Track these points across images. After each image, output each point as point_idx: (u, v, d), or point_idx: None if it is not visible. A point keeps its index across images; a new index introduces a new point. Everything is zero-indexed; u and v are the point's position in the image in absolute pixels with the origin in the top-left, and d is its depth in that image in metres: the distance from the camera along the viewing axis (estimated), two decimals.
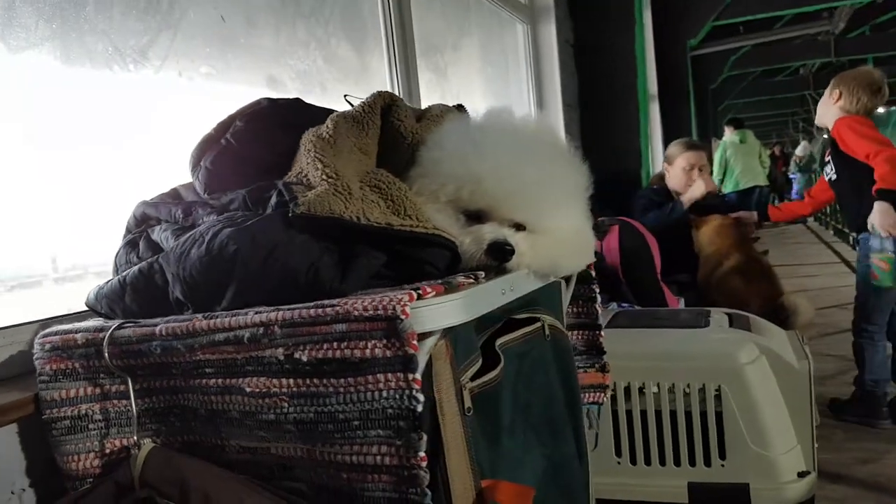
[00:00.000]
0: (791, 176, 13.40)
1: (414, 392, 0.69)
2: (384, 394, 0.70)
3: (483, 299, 0.81)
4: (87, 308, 1.03)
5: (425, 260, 0.85)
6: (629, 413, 1.75)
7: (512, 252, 0.88)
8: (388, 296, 0.70)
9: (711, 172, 9.13)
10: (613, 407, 1.76)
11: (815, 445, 1.69)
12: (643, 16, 4.35)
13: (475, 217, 0.92)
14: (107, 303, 0.95)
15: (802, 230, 11.13)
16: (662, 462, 1.72)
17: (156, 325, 0.82)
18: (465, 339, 0.86)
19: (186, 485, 0.78)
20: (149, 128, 1.36)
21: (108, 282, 0.96)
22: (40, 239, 1.20)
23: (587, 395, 1.41)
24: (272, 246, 0.79)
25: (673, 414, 1.70)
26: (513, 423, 1.03)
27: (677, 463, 1.71)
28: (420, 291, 0.72)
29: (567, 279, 1.32)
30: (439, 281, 0.80)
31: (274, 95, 1.50)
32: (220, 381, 0.80)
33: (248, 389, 0.77)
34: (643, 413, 1.73)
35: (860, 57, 12.81)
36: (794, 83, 14.82)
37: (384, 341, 0.69)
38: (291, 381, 0.74)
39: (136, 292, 0.92)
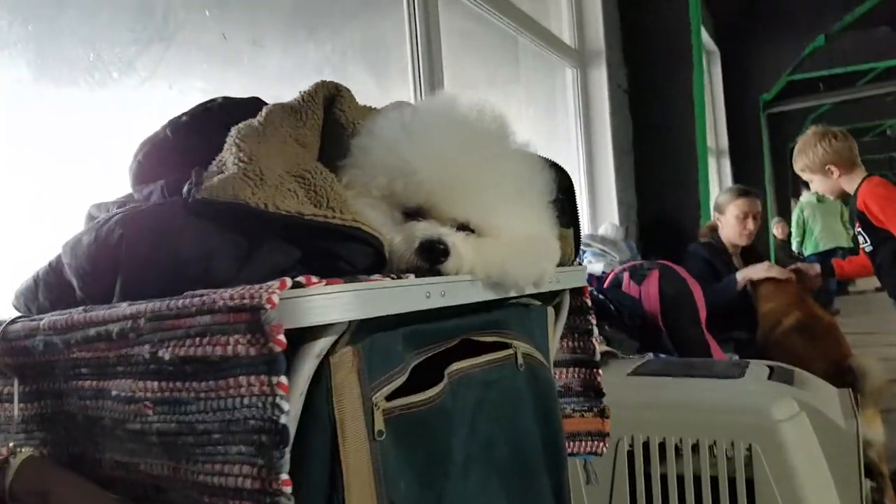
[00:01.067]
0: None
1: (278, 399, 0.57)
2: (245, 401, 0.58)
3: (396, 298, 0.69)
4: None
5: (340, 255, 0.73)
6: (647, 469, 1.55)
7: (446, 252, 0.76)
8: (261, 285, 0.59)
9: (790, 233, 8.67)
10: (630, 460, 1.56)
11: None
12: (702, 62, 4.18)
13: (414, 214, 0.80)
14: (24, 301, 0.89)
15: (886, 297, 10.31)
16: None
17: (41, 320, 0.74)
18: (384, 348, 0.74)
19: (47, 501, 0.68)
20: (128, 137, 1.32)
21: (27, 278, 0.89)
22: None
23: (583, 443, 1.24)
24: (161, 231, 0.70)
25: (695, 474, 1.49)
26: (467, 462, 0.89)
27: None
28: (302, 280, 0.61)
29: (558, 308, 1.17)
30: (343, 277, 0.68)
31: None
32: (94, 383, 0.70)
33: (114, 393, 0.67)
34: (661, 467, 1.52)
35: None
36: (880, 144, 14.06)
37: (248, 336, 0.58)
38: (156, 384, 0.64)
39: (48, 289, 0.85)
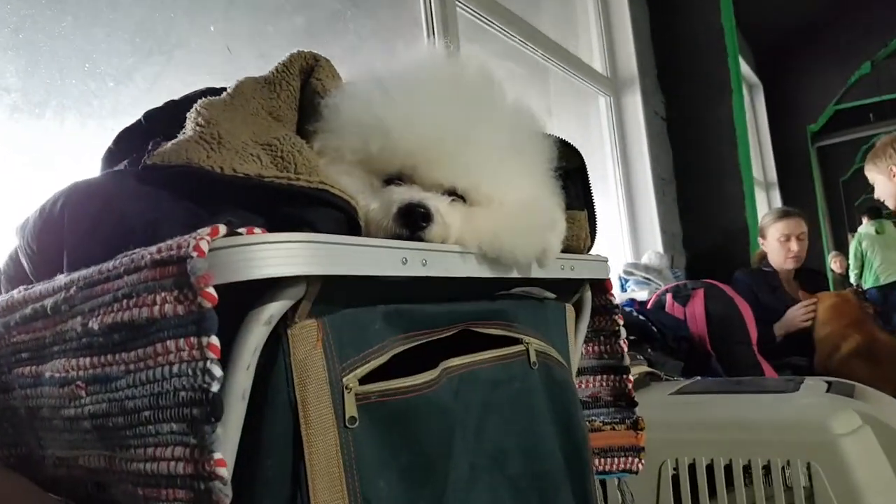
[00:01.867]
0: None
1: (208, 364, 0.48)
2: (175, 369, 0.49)
3: (365, 259, 0.59)
4: None
5: (306, 221, 0.65)
6: (693, 494, 1.38)
7: (426, 217, 0.66)
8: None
9: (848, 266, 8.30)
10: (675, 485, 1.40)
11: None
12: (741, 86, 4.05)
13: (395, 182, 0.71)
14: None
15: None
16: None
17: None
18: (357, 324, 0.64)
19: None
20: None
21: None
22: None
23: (617, 460, 1.10)
24: (108, 197, 0.63)
25: (751, 499, 1.32)
26: (473, 471, 0.78)
27: None
28: (243, 231, 0.52)
29: (579, 306, 1.06)
30: None
31: None
32: (33, 368, 0.62)
33: (47, 375, 0.59)
34: (711, 493, 1.36)
35: None
36: None
37: (174, 293, 0.49)
38: (87, 360, 0.55)
39: (9, 282, 0.78)
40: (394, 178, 0.71)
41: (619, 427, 1.11)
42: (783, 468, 1.30)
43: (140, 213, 0.63)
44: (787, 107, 7.14)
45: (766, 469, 1.33)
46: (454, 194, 0.72)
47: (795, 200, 7.25)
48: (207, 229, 0.50)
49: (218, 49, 1.48)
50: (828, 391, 1.49)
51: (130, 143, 0.87)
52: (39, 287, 0.61)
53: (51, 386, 0.59)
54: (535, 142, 0.78)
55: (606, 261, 1.02)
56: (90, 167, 0.87)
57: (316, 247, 0.54)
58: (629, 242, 3.55)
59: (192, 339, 0.48)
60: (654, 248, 3.48)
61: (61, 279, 0.59)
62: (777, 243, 2.83)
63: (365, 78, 0.73)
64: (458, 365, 0.78)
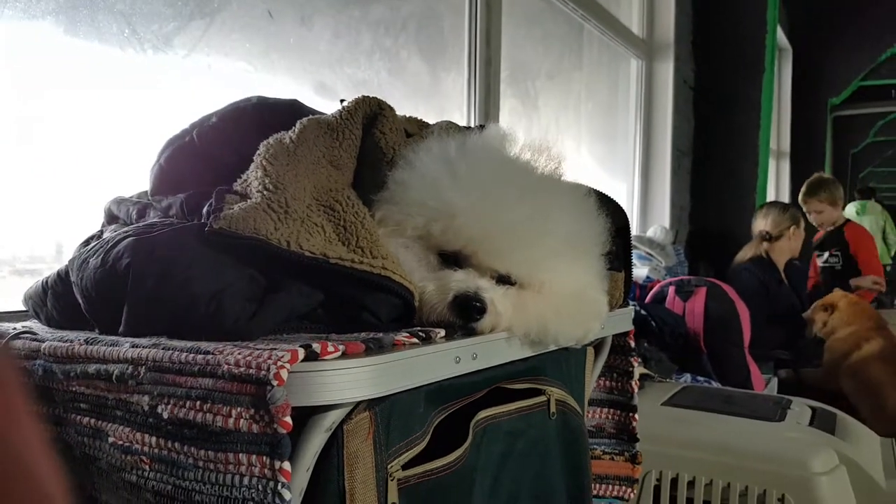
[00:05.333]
0: None
1: (279, 487, 0.51)
2: (245, 480, 0.52)
3: (421, 368, 0.62)
4: None
5: (365, 306, 0.66)
6: (673, 502, 1.47)
7: (482, 310, 0.68)
8: (271, 350, 0.53)
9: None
10: (656, 495, 1.48)
11: None
12: (774, 65, 3.96)
13: (451, 260, 0.72)
14: (32, 304, 0.84)
15: None
16: None
17: (42, 342, 0.69)
18: (404, 412, 0.67)
19: None
20: (156, 115, 1.26)
21: (36, 282, 0.85)
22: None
23: (611, 487, 1.16)
24: (170, 263, 0.64)
25: None
26: None
27: None
28: (317, 349, 0.54)
29: (598, 347, 1.09)
30: (366, 336, 0.61)
31: (323, 102, 1.38)
32: (93, 421, 0.65)
33: (111, 439, 0.61)
34: None
35: None
36: None
37: (251, 411, 0.52)
38: (154, 439, 0.58)
39: (56, 298, 0.80)
40: (450, 256, 0.72)
41: (617, 458, 1.16)
42: (759, 496, 1.38)
43: (203, 282, 0.64)
44: (812, 77, 6.98)
45: (744, 494, 1.41)
46: (506, 278, 0.73)
47: (803, 171, 7.22)
48: (287, 355, 0.51)
49: (259, 13, 1.43)
50: (811, 423, 1.56)
51: (181, 163, 0.87)
52: (103, 348, 0.63)
53: (112, 448, 0.62)
54: (591, 229, 0.78)
55: (631, 311, 1.04)
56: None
57: (383, 368, 0.56)
58: (638, 214, 3.55)
59: (265, 458, 0.51)
60: (661, 221, 3.50)
61: (127, 349, 0.61)
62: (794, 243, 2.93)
63: (433, 151, 0.73)
64: (483, 417, 0.82)
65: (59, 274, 0.79)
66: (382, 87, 1.80)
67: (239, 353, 0.53)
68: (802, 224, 3.16)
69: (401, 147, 0.79)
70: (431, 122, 0.94)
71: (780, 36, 6.36)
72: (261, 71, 1.44)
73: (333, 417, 0.57)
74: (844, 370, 2.63)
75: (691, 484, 1.47)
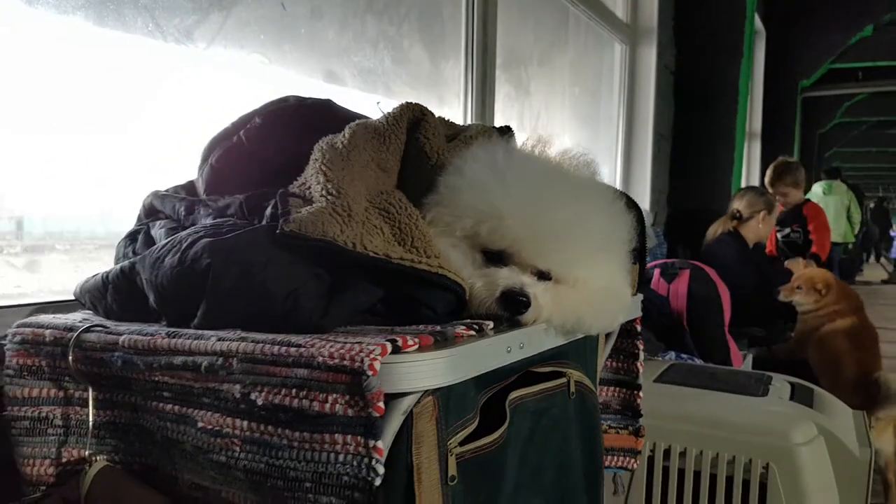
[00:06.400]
0: (893, 234, 12.45)
1: (374, 462, 0.58)
2: (341, 458, 0.59)
3: (481, 357, 0.69)
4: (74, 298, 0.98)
5: (423, 302, 0.73)
6: (665, 474, 1.58)
7: (527, 304, 0.76)
8: (360, 344, 0.59)
9: None
10: (650, 465, 1.59)
11: None
12: (752, 50, 4.07)
13: (495, 258, 0.79)
14: (89, 298, 0.89)
15: (895, 292, 10.31)
16: None
17: (120, 335, 0.75)
18: (459, 395, 0.74)
19: None
20: (176, 107, 1.30)
21: (94, 276, 0.90)
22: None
23: (616, 458, 1.26)
24: (249, 264, 0.70)
25: (712, 485, 1.52)
26: (516, 490, 0.91)
27: None
28: (399, 343, 0.61)
29: (609, 332, 1.18)
30: (431, 329, 0.68)
31: (332, 90, 1.41)
32: (176, 407, 0.71)
33: (199, 424, 0.68)
34: (680, 476, 1.56)
35: None
36: None
37: (346, 397, 0.59)
38: (245, 423, 0.65)
39: (117, 292, 0.85)
40: (495, 255, 0.79)
41: (622, 432, 1.26)
42: (745, 465, 1.49)
43: (279, 281, 0.70)
44: (785, 59, 7.14)
45: (731, 463, 1.53)
46: (545, 274, 0.80)
47: (773, 152, 7.41)
48: (378, 349, 0.58)
49: (273, 5, 1.47)
50: (791, 397, 1.68)
51: (232, 164, 0.92)
52: (188, 341, 0.69)
53: (201, 433, 0.68)
54: (620, 229, 0.86)
55: (640, 299, 1.13)
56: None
57: (454, 359, 0.64)
58: None
59: (359, 438, 0.58)
60: (642, 204, 3.60)
61: (215, 343, 0.67)
62: (763, 228, 3.06)
63: (480, 159, 0.79)
64: (514, 398, 0.90)
65: (122, 269, 0.84)
66: (387, 75, 1.85)
67: (332, 347, 0.60)
68: (775, 213, 3.30)
69: (444, 151, 0.85)
70: (433, 108, 0.99)
71: (756, 19, 6.48)
72: (275, 63, 1.48)
73: (408, 402, 0.64)
74: (814, 341, 2.80)
75: (683, 454, 1.58)
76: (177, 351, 0.69)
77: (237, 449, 0.65)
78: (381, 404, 0.57)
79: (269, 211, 0.78)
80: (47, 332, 0.81)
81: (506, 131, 1.00)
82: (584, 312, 0.80)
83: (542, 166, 0.81)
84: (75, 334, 0.78)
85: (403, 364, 0.60)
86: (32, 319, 0.85)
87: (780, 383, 1.79)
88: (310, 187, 0.79)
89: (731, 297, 2.53)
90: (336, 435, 0.59)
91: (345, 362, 0.58)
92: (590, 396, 1.07)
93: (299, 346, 0.62)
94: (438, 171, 0.83)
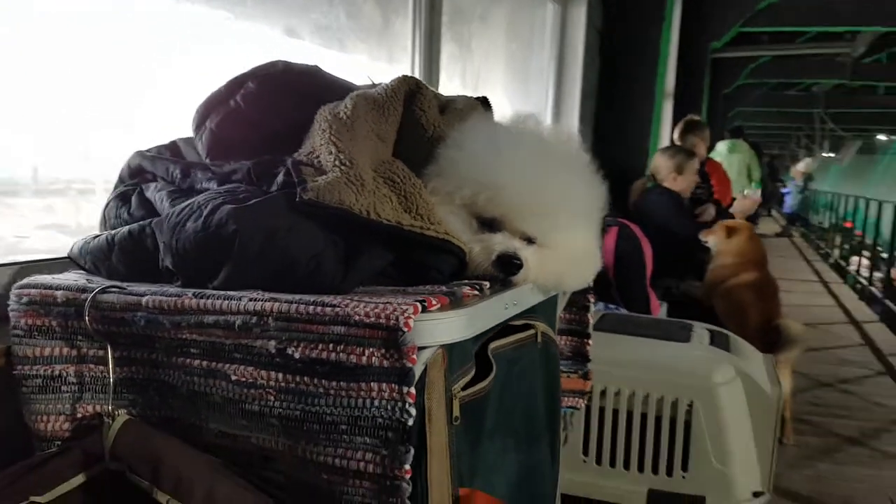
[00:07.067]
0: (784, 191, 13.40)
1: (407, 405, 0.67)
2: (376, 402, 0.68)
3: (486, 315, 0.79)
4: (67, 257, 0.99)
5: (432, 264, 0.82)
6: (601, 413, 1.76)
7: (520, 266, 0.85)
8: (392, 304, 0.67)
9: None
10: (587, 405, 1.76)
11: (773, 469, 1.72)
12: (673, 13, 4.25)
13: (487, 224, 0.88)
14: (91, 259, 0.92)
15: (787, 244, 11.21)
16: (627, 466, 1.74)
17: (142, 296, 0.79)
18: (461, 348, 0.83)
19: (160, 464, 0.75)
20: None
21: (95, 237, 0.92)
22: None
23: (566, 399, 1.40)
24: (273, 230, 0.76)
25: (643, 421, 1.71)
26: (494, 429, 1.02)
27: (641, 469, 1.73)
28: (425, 303, 0.69)
29: None
30: (444, 289, 0.77)
31: (291, 44, 1.42)
32: (204, 363, 0.76)
33: (233, 377, 0.74)
34: (615, 413, 1.74)
35: (873, 83, 12.76)
36: (805, 99, 14.78)
37: (382, 351, 0.67)
38: (280, 375, 0.72)
39: (123, 253, 0.88)
40: (488, 221, 0.88)
41: (572, 376, 1.39)
42: (673, 403, 1.68)
43: (301, 247, 0.76)
44: (698, 22, 7.44)
45: (660, 401, 1.71)
46: (530, 238, 0.90)
47: (685, 110, 7.78)
48: (410, 308, 0.66)
49: None
50: (711, 342, 1.88)
51: (232, 128, 0.95)
52: (218, 301, 0.74)
53: (234, 385, 0.74)
54: (597, 198, 0.96)
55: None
56: None
57: (470, 318, 0.73)
58: None
59: (394, 385, 0.67)
60: None
61: (247, 303, 0.72)
62: (692, 178, 3.27)
63: (479, 133, 0.87)
64: (494, 347, 1.00)
65: (129, 232, 0.87)
66: (342, 31, 1.86)
67: (366, 307, 0.67)
68: (689, 171, 3.49)
69: (439, 123, 0.92)
70: (383, 65, 1.03)
71: None
72: (240, 18, 1.48)
73: (428, 354, 0.72)
74: (720, 291, 3.06)
75: (617, 395, 1.75)
76: (207, 311, 0.74)
77: (271, 398, 0.72)
78: (415, 356, 0.66)
79: (280, 178, 0.83)
80: (58, 293, 0.83)
81: (485, 102, 1.08)
82: (564, 273, 0.91)
83: (532, 140, 0.89)
84: (90, 295, 0.81)
85: (428, 322, 0.69)
86: (35, 280, 0.87)
87: (701, 330, 1.99)
88: (319, 156, 0.84)
89: (666, 249, 2.74)
90: (372, 383, 0.67)
91: (381, 320, 0.66)
92: (552, 345, 1.19)
93: (334, 305, 0.69)
94: (435, 142, 0.91)
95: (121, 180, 1.05)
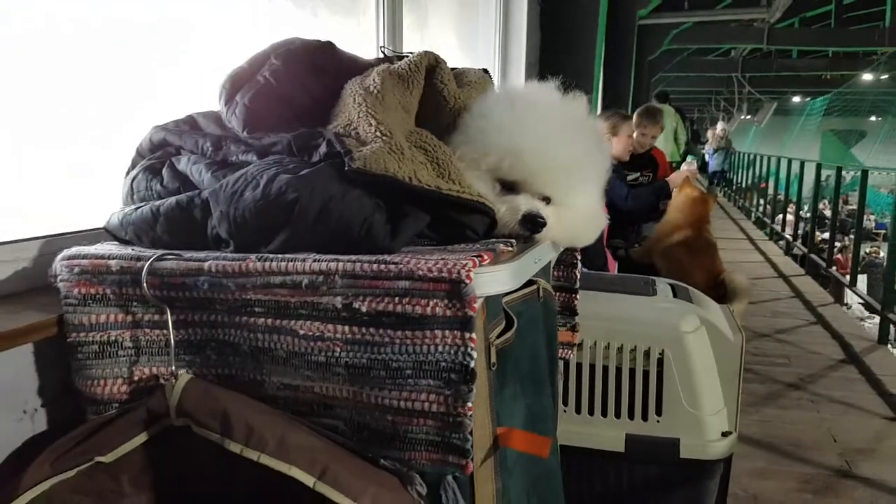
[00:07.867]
0: (706, 151, 13.98)
1: (469, 349, 0.75)
2: (440, 348, 0.76)
3: (524, 269, 0.88)
4: (101, 228, 1.03)
5: (467, 224, 0.90)
6: (578, 366, 1.89)
7: (544, 224, 0.95)
8: (453, 259, 0.75)
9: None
10: (565, 362, 1.88)
11: (739, 409, 1.89)
12: None
13: (509, 187, 0.97)
14: (133, 230, 0.95)
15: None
16: (604, 414, 1.88)
17: (204, 261, 0.84)
18: (494, 300, 0.93)
19: (228, 416, 0.81)
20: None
21: (136, 208, 0.95)
22: None
23: (558, 351, 1.52)
24: (328, 197, 0.82)
25: (618, 371, 1.85)
26: (509, 377, 1.12)
27: (617, 416, 1.87)
28: (480, 258, 0.77)
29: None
30: (487, 246, 0.85)
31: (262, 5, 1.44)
32: (269, 321, 0.83)
33: (301, 332, 0.81)
34: (591, 367, 1.87)
35: (788, 47, 13.44)
36: (724, 64, 15.43)
37: (446, 301, 0.75)
38: (347, 328, 0.79)
39: (169, 223, 0.92)
40: (509, 184, 0.97)
41: (562, 329, 1.51)
42: (645, 352, 1.82)
43: (353, 212, 0.83)
44: None
45: (633, 351, 1.85)
46: (547, 199, 0.99)
47: (613, 79, 8.02)
48: (469, 263, 0.75)
49: None
50: (675, 296, 2.04)
51: (263, 103, 1.00)
52: (283, 263, 0.80)
53: (299, 339, 0.81)
54: (604, 159, 1.06)
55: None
56: None
57: (512, 270, 0.82)
58: None
59: (456, 332, 0.75)
60: None
61: (312, 263, 0.79)
62: (626, 139, 3.42)
63: (501, 103, 0.95)
64: (506, 301, 1.10)
65: (177, 202, 0.91)
66: (315, 1, 1.88)
67: (427, 262, 0.75)
68: (623, 132, 3.62)
69: (459, 95, 0.99)
70: (350, 31, 1.06)
71: None
72: None
73: (479, 304, 0.81)
74: (658, 252, 3.26)
75: (593, 347, 1.88)
76: (272, 272, 0.80)
77: (338, 349, 0.79)
78: (476, 305, 0.74)
79: (323, 149, 0.89)
80: (112, 262, 0.87)
81: (487, 73, 1.16)
82: (578, 230, 1.01)
83: (549, 108, 0.98)
84: (147, 262, 0.85)
85: (482, 275, 0.77)
86: (82, 250, 0.90)
87: (663, 285, 2.14)
88: (356, 128, 0.90)
89: (629, 216, 2.88)
90: (436, 331, 0.75)
91: (444, 274, 0.74)
92: (550, 300, 1.30)
93: (396, 263, 0.76)
94: (457, 112, 0.98)
95: (139, 154, 1.08)
